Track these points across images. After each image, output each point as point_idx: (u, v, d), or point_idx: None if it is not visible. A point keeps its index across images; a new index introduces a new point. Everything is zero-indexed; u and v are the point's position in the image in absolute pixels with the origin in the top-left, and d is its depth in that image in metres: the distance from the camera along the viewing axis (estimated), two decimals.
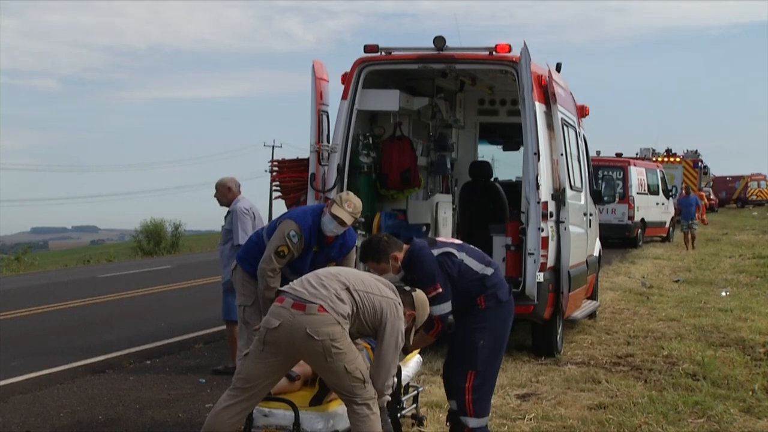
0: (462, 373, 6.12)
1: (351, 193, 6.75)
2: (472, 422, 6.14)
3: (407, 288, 5.77)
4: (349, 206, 6.54)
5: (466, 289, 6.06)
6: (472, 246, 6.32)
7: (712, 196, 47.46)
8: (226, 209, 9.07)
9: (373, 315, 5.38)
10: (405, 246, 6.09)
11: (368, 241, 6.19)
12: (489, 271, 6.14)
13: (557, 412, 7.30)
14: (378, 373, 5.41)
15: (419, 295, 5.78)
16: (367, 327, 5.42)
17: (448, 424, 6.38)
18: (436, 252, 6.06)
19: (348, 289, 5.33)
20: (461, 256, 6.11)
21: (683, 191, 27.92)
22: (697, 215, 25.61)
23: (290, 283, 5.46)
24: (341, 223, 6.60)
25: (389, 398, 6.06)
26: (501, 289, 6.15)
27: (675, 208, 28.02)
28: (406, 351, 6.08)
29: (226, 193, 9.02)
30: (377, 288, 5.47)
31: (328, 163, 9.74)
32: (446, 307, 5.96)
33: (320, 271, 5.56)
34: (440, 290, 5.93)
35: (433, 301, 5.89)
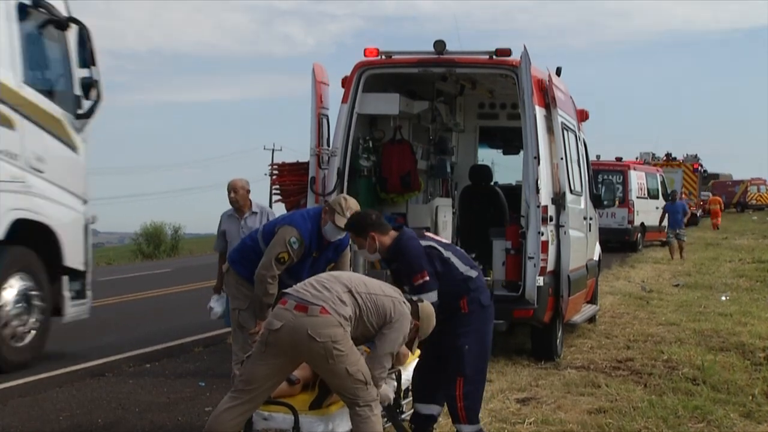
0: (451, 380, 6.13)
1: (348, 197, 6.71)
2: (467, 429, 6.17)
3: (414, 298, 5.78)
4: (350, 213, 6.48)
5: (450, 288, 6.04)
6: (457, 248, 6.39)
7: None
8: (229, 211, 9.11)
9: (377, 315, 5.38)
10: (392, 232, 6.08)
11: (358, 213, 6.29)
12: (473, 273, 6.16)
13: (557, 417, 7.30)
14: (371, 363, 5.40)
15: (426, 306, 5.78)
16: (371, 329, 5.41)
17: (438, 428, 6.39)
18: (423, 243, 6.10)
19: (350, 291, 5.33)
20: (447, 253, 6.13)
21: (671, 197, 25.21)
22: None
23: (294, 286, 5.46)
24: (344, 230, 6.59)
25: (391, 400, 6.07)
26: (483, 293, 6.18)
27: (661, 214, 25.22)
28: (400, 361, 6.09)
29: (246, 195, 9.06)
30: (380, 288, 5.47)
31: (329, 167, 9.74)
32: (433, 296, 5.93)
33: (322, 275, 5.58)
34: (427, 278, 5.92)
35: (421, 289, 5.89)
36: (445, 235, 10.86)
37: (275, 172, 10.38)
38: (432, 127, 11.76)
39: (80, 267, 10.03)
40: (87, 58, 9.78)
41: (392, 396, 6.07)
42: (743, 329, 11.69)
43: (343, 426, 5.62)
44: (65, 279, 9.82)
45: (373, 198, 10.62)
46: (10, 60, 9.00)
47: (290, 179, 10.19)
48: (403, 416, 6.49)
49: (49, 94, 9.63)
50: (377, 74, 10.08)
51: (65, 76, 9.92)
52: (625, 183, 25.90)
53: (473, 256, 11.06)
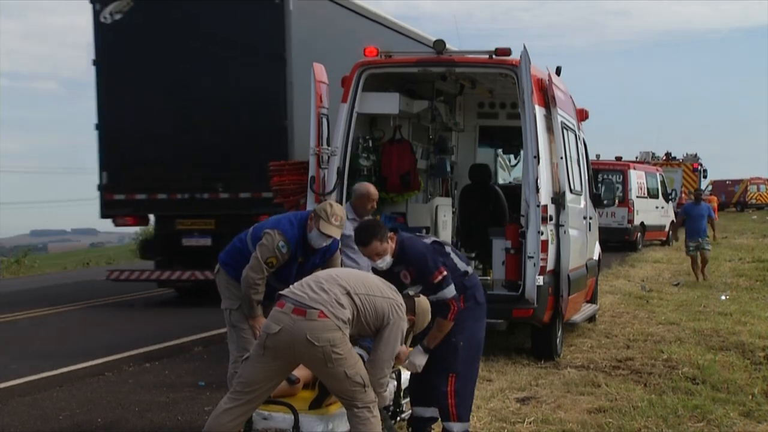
0: (443, 377, 6.12)
1: (335, 204, 6.63)
2: (457, 427, 6.16)
3: (411, 293, 5.77)
4: (336, 220, 6.40)
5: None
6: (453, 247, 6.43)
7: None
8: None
9: (374, 317, 5.37)
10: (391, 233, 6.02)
11: (365, 225, 6.06)
12: (470, 269, 6.23)
13: (557, 416, 7.30)
14: (372, 369, 5.42)
15: (422, 302, 5.78)
16: (368, 329, 5.41)
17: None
18: (427, 241, 6.10)
19: (348, 293, 5.32)
20: (448, 249, 6.18)
21: (690, 196, 20.25)
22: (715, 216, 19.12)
23: (290, 287, 5.44)
24: (330, 237, 6.52)
25: (389, 401, 6.08)
26: (479, 290, 6.24)
27: (678, 218, 21.13)
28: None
29: None
30: (379, 290, 5.46)
31: (328, 166, 9.73)
32: (452, 290, 5.89)
33: (320, 275, 5.54)
34: (445, 273, 5.87)
35: (441, 285, 5.84)
36: (445, 235, 10.88)
37: (275, 171, 10.36)
38: (432, 127, 11.76)
39: None
40: None
41: (386, 402, 6.07)
42: (743, 328, 11.70)
43: (343, 426, 5.63)
44: None
45: None
46: None
47: (290, 178, 10.18)
48: (403, 416, 6.50)
49: None
50: (377, 74, 10.07)
51: None
52: (624, 182, 25.89)
53: (473, 255, 11.16)
